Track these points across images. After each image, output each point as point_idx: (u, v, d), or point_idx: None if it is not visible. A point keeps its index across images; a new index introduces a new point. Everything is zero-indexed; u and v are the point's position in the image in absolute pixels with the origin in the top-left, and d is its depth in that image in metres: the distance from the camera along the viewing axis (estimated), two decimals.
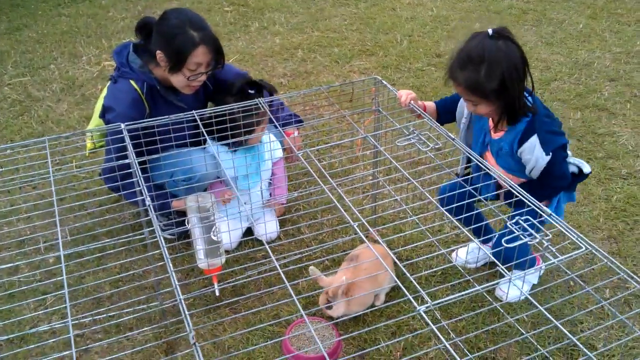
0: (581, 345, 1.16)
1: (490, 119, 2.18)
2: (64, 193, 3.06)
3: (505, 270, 1.42)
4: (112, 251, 2.71)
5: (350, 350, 2.26)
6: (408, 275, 1.41)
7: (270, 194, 2.86)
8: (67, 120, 3.93)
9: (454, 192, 2.07)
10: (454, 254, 2.62)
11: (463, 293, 1.41)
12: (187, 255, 2.72)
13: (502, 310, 2.35)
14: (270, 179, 2.86)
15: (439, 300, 1.35)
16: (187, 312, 1.31)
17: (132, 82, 2.53)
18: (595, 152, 3.33)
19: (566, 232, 1.46)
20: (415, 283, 1.42)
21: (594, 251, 1.41)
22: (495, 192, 2.14)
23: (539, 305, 1.30)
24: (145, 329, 2.33)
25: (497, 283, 2.38)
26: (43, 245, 2.78)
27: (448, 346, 1.23)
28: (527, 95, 2.09)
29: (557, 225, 1.49)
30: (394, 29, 5.21)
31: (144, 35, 2.61)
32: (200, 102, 2.74)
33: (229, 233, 2.54)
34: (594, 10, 5.44)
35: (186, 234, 2.79)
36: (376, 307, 2.40)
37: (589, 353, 1.14)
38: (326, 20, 5.50)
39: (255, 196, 2.69)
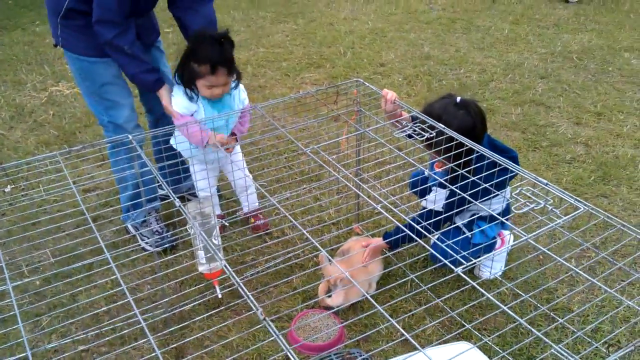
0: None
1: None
2: (36, 217, 3.03)
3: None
4: (99, 269, 2.72)
5: (353, 335, 2.40)
6: (445, 244, 1.56)
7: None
8: (25, 147, 3.87)
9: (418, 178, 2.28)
10: (431, 241, 2.82)
11: (484, 257, 1.59)
12: (174, 262, 2.77)
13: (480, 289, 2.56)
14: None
15: (472, 262, 1.52)
16: (248, 293, 1.41)
17: None
18: (540, 142, 3.65)
19: (563, 197, 1.68)
20: (452, 248, 1.59)
21: (591, 210, 1.63)
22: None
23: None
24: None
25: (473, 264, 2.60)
26: (26, 268, 2.76)
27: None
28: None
29: (554, 192, 1.70)
30: (336, 42, 5.45)
31: None
32: None
33: (208, 179, 2.68)
34: (515, 17, 5.92)
35: (172, 247, 2.86)
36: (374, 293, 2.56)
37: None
38: (268, 37, 5.67)
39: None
